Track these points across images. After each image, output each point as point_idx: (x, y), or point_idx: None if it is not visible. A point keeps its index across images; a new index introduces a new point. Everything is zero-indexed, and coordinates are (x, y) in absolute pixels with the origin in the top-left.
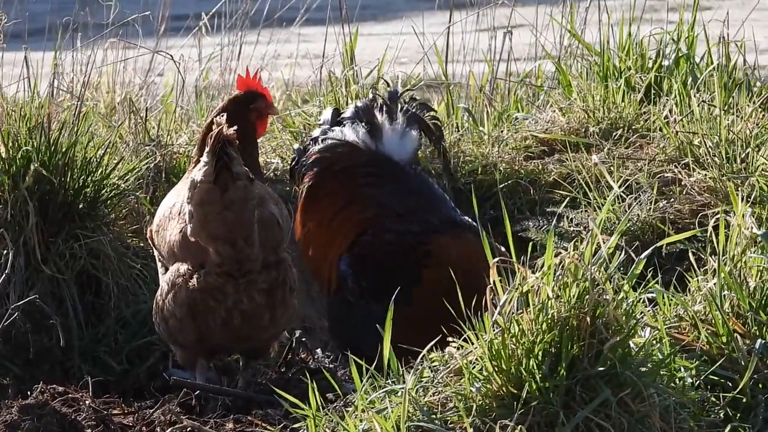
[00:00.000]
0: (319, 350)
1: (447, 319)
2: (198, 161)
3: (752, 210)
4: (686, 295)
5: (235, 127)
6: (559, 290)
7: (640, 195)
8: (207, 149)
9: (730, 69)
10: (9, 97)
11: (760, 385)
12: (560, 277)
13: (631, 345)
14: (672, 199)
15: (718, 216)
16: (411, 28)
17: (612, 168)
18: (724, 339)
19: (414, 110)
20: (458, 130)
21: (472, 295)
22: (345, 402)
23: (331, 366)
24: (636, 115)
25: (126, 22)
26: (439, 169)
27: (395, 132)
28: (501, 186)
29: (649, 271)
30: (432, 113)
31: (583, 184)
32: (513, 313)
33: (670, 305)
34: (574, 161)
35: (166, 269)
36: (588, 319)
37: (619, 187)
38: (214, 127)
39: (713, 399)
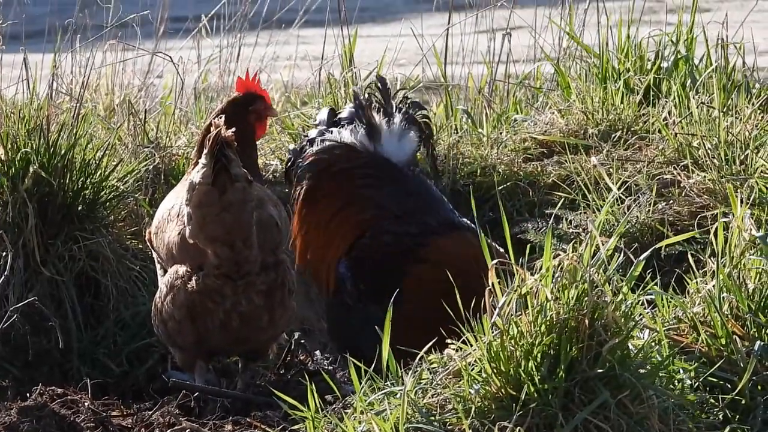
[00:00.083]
0: (318, 352)
1: (445, 319)
2: (197, 163)
3: (751, 212)
4: (685, 297)
5: (234, 129)
6: (558, 292)
7: (639, 197)
8: (205, 151)
9: (729, 71)
10: (8, 98)
11: (759, 387)
12: (559, 278)
13: (630, 347)
14: (671, 201)
15: (717, 218)
16: (410, 29)
17: (611, 170)
18: (723, 341)
19: (407, 107)
20: (457, 132)
21: (471, 297)
22: (344, 404)
23: (330, 368)
24: (635, 117)
25: (125, 23)
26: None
27: (393, 133)
28: (500, 188)
29: (648, 273)
30: (423, 112)
31: (582, 186)
32: (512, 315)
33: (669, 307)
34: (573, 163)
35: (165, 271)
36: (587, 321)
37: (618, 188)
38: (212, 128)
39: (712, 401)
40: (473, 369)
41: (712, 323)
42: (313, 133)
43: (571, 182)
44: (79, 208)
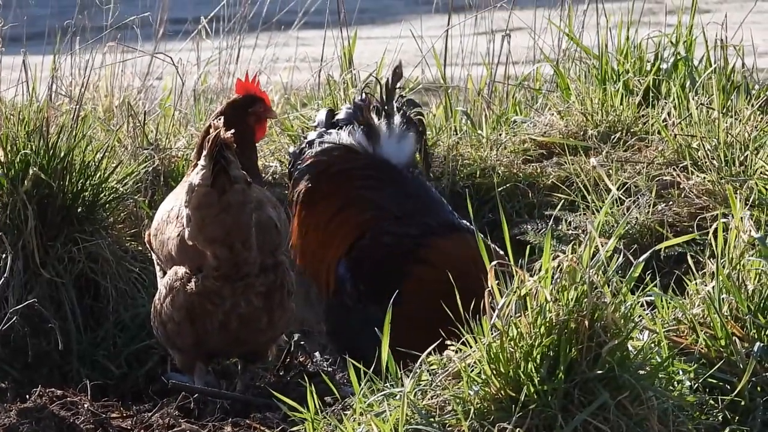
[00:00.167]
0: (317, 353)
1: (445, 321)
2: (196, 165)
3: (751, 213)
4: (685, 299)
5: (233, 131)
6: (558, 293)
7: (638, 198)
8: (204, 153)
9: (729, 72)
10: (8, 100)
11: (759, 388)
12: (558, 280)
13: (630, 348)
14: (670, 202)
15: (717, 219)
16: (409, 31)
17: (610, 171)
18: (723, 342)
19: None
20: (456, 134)
21: (471, 298)
22: (343, 405)
23: (329, 369)
24: (634, 118)
25: (124, 25)
26: (438, 172)
27: (392, 135)
28: (499, 189)
29: (648, 275)
30: (417, 109)
31: (582, 188)
32: (511, 316)
33: (668, 308)
34: (572, 164)
35: (165, 273)
36: (586, 322)
37: (618, 190)
38: (211, 130)
39: (711, 402)
40: (473, 370)
41: (711, 324)
42: (312, 135)
43: (570, 184)
44: (79, 209)
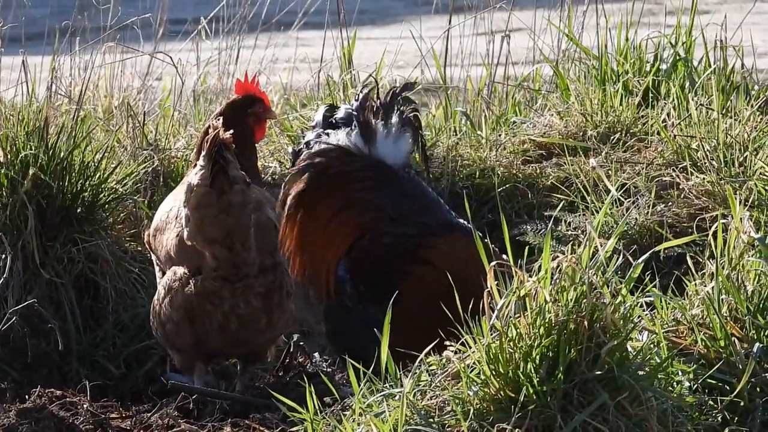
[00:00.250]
0: (316, 354)
1: (444, 321)
2: (196, 165)
3: (750, 214)
4: (684, 299)
5: (232, 131)
6: (557, 294)
7: (638, 199)
8: (203, 153)
9: (728, 72)
10: (7, 101)
11: (758, 389)
12: (558, 280)
13: (629, 349)
14: (670, 203)
15: (717, 220)
16: (409, 32)
17: (610, 172)
18: (722, 343)
19: (400, 104)
20: (456, 134)
21: (470, 299)
22: (343, 406)
23: (328, 370)
24: (634, 119)
25: (124, 25)
26: (437, 173)
27: (389, 136)
28: (499, 190)
29: (647, 275)
30: (413, 106)
31: (581, 188)
32: (510, 316)
33: (667, 309)
34: (572, 165)
35: (164, 273)
36: (585, 322)
37: (617, 190)
38: (210, 130)
39: (711, 402)
40: (472, 371)
41: (711, 325)
42: (310, 135)
43: (570, 184)
44: (78, 210)
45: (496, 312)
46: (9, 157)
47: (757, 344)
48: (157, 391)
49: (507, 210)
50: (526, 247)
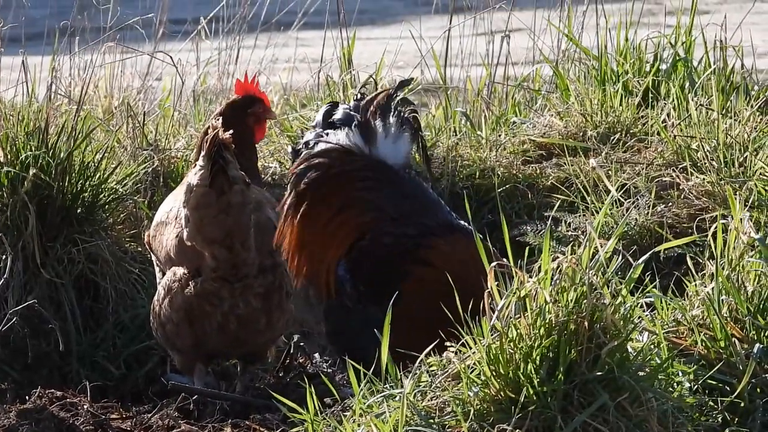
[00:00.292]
0: (317, 355)
1: (444, 322)
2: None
3: (750, 214)
4: (684, 300)
5: (231, 131)
6: (557, 295)
7: (638, 199)
8: (203, 153)
9: (728, 73)
10: (7, 101)
11: (758, 390)
12: (558, 281)
13: (629, 349)
14: (670, 204)
15: (717, 220)
16: (409, 32)
17: (610, 172)
18: (722, 343)
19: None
20: (456, 134)
21: (470, 299)
22: (343, 406)
23: (329, 370)
24: (634, 119)
25: (124, 25)
26: (437, 173)
27: (389, 136)
28: (499, 190)
29: (647, 276)
30: (411, 107)
31: (581, 189)
32: (511, 317)
33: (668, 310)
34: (571, 165)
35: (164, 274)
36: (586, 323)
37: (617, 191)
38: (209, 130)
39: (711, 403)
40: (472, 371)
41: (711, 326)
42: (310, 135)
43: (569, 185)
44: (78, 210)
45: (496, 313)
46: (9, 157)
47: (758, 345)
48: (158, 391)
49: (507, 210)
50: (527, 248)
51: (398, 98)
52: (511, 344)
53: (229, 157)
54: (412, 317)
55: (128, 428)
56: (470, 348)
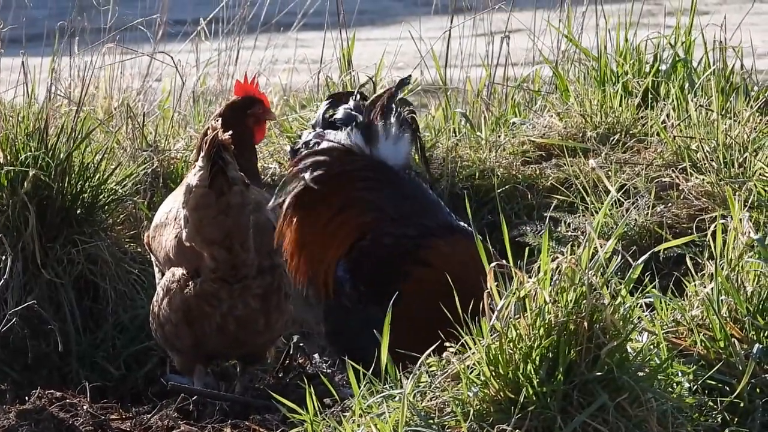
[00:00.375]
0: (316, 355)
1: (444, 321)
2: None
3: (750, 214)
4: (684, 300)
5: (231, 132)
6: (557, 295)
7: (637, 199)
8: (202, 154)
9: (728, 73)
10: (7, 102)
11: (758, 390)
12: (557, 281)
13: (629, 350)
14: (669, 204)
15: (716, 220)
16: (408, 33)
17: (609, 173)
18: (722, 343)
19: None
20: (455, 135)
21: (470, 300)
22: (342, 407)
23: (328, 371)
24: (633, 120)
25: (124, 27)
26: (437, 174)
27: (389, 137)
28: (498, 191)
29: (647, 276)
30: (409, 108)
31: (581, 189)
32: (510, 318)
33: (667, 310)
34: (571, 166)
35: (163, 275)
36: (585, 323)
37: (617, 191)
38: (209, 131)
39: (711, 403)
40: (472, 372)
41: (710, 326)
42: (309, 135)
43: (569, 185)
44: (78, 211)
45: (496, 313)
46: (9, 158)
47: (757, 345)
48: (157, 392)
49: (506, 211)
50: (526, 248)
51: (398, 98)
52: (511, 344)
53: (229, 157)
54: (412, 318)
55: (128, 429)
56: (470, 348)
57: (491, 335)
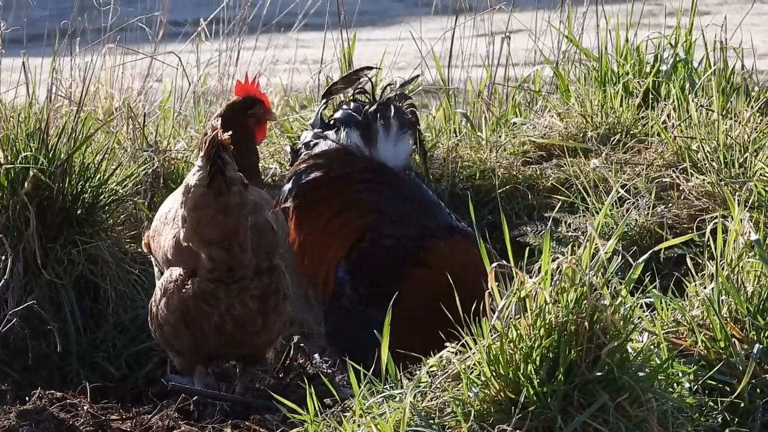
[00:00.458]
0: (317, 355)
1: (444, 322)
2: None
3: (750, 215)
4: (684, 300)
5: (230, 132)
6: (557, 295)
7: (638, 200)
8: (201, 154)
9: (728, 74)
10: (7, 102)
11: (758, 390)
12: (558, 281)
13: (629, 350)
14: (670, 204)
15: (716, 221)
16: (409, 33)
17: (610, 173)
18: (722, 344)
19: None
20: (456, 135)
21: (470, 300)
22: (343, 407)
23: (329, 371)
24: (634, 120)
25: (125, 27)
26: (437, 174)
27: (389, 137)
28: (499, 191)
29: (647, 276)
30: (409, 101)
31: (581, 189)
32: (511, 318)
33: (667, 310)
34: (572, 166)
35: (163, 275)
36: (586, 324)
37: (617, 191)
38: (208, 131)
39: (711, 404)
40: (472, 372)
41: (711, 326)
42: (309, 136)
43: (570, 185)
44: (79, 211)
45: (496, 313)
46: (9, 158)
47: (757, 345)
48: (158, 392)
49: (507, 211)
50: (527, 249)
51: (397, 95)
52: (511, 345)
53: (228, 158)
54: (412, 318)
55: (128, 429)
56: (470, 348)
57: (492, 335)
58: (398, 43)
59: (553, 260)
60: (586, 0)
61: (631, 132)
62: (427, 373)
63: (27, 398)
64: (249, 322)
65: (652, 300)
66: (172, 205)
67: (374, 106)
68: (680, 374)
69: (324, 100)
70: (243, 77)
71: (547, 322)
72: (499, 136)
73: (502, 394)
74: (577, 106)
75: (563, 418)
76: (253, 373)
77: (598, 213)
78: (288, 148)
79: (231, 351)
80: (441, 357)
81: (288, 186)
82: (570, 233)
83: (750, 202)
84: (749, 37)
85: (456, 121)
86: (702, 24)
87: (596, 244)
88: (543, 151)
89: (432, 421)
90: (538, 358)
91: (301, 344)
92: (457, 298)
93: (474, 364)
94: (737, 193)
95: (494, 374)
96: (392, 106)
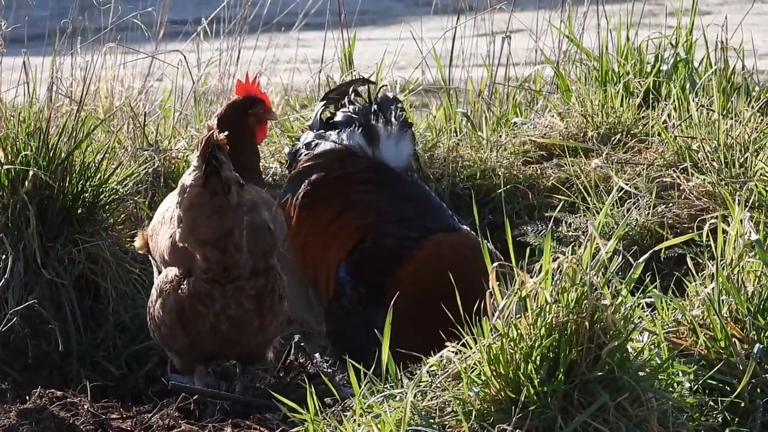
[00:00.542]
0: (317, 355)
1: (444, 322)
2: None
3: (750, 215)
4: (684, 300)
5: (226, 132)
6: (558, 295)
7: (638, 200)
8: (197, 153)
9: (729, 73)
10: (8, 102)
11: (758, 390)
12: (558, 281)
13: (630, 350)
14: (670, 204)
15: (717, 221)
16: (410, 33)
17: (610, 173)
18: (723, 343)
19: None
20: (457, 135)
21: (470, 300)
22: (343, 406)
23: (329, 370)
24: (634, 120)
25: (125, 26)
26: (438, 174)
27: (391, 138)
28: (500, 191)
29: (648, 276)
30: (400, 104)
31: (582, 189)
32: (511, 317)
33: (668, 310)
34: (572, 166)
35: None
36: (586, 323)
37: (618, 191)
38: (204, 131)
39: (711, 403)
40: (473, 371)
41: (711, 326)
42: (310, 136)
43: (570, 185)
44: (79, 211)
45: (497, 313)
46: (10, 157)
47: (758, 345)
48: (158, 391)
49: (508, 211)
50: (527, 248)
51: (391, 96)
52: (512, 344)
53: (223, 158)
54: (412, 318)
55: (128, 428)
56: (470, 348)
57: (492, 335)
58: (399, 42)
59: (554, 260)
60: (587, 0)
61: (632, 132)
62: (428, 372)
63: (27, 397)
64: (245, 323)
65: (652, 300)
66: (170, 205)
67: (374, 106)
68: (680, 374)
69: (322, 103)
70: (243, 76)
71: (547, 321)
72: (500, 136)
73: (502, 393)
74: (577, 106)
75: (563, 417)
76: (254, 372)
77: (598, 213)
78: (286, 149)
79: (227, 351)
80: (441, 356)
81: (289, 186)
82: (570, 233)
83: (750, 202)
84: (750, 37)
85: (456, 120)
86: (703, 24)
87: (597, 244)
88: (544, 150)
89: (432, 421)
90: (538, 357)
91: (302, 344)
92: (457, 297)
93: (474, 364)
94: (737, 193)
95: (495, 374)
96: (392, 106)
